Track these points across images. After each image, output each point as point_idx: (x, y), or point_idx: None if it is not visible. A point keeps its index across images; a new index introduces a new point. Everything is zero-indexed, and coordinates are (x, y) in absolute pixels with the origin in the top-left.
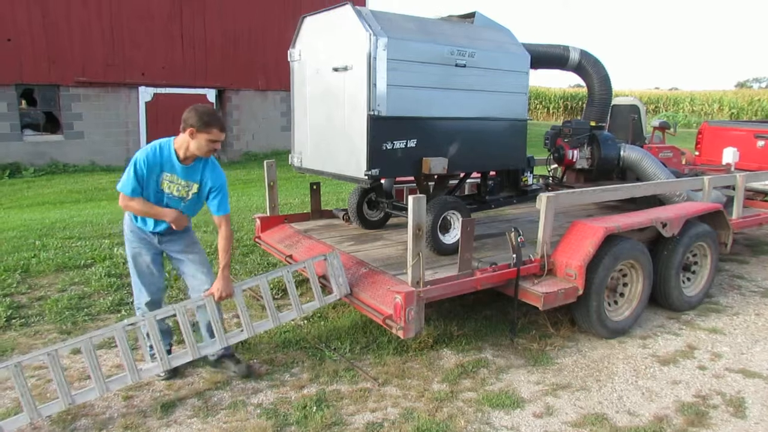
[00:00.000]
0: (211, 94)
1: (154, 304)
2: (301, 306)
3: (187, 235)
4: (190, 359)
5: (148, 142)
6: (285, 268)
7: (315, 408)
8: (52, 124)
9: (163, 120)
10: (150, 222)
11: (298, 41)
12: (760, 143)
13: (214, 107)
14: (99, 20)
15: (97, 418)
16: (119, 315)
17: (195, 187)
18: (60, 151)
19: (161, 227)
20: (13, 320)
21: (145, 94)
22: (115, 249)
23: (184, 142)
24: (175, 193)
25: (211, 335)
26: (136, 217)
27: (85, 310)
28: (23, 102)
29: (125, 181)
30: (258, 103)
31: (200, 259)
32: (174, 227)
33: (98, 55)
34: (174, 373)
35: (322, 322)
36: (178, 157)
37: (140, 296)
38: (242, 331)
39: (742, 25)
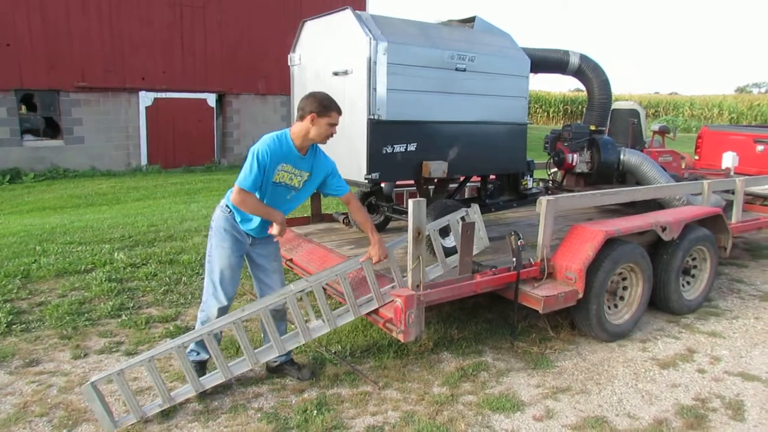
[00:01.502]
0: (211, 99)
1: (224, 311)
2: (358, 308)
3: (276, 243)
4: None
5: (148, 146)
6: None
7: (315, 412)
8: (52, 129)
9: (163, 124)
10: (256, 223)
11: (298, 45)
12: (760, 148)
13: (215, 111)
14: (99, 25)
15: (98, 423)
16: (120, 320)
17: (306, 176)
18: (60, 156)
19: (263, 232)
20: (14, 326)
21: (146, 98)
22: (116, 254)
23: (303, 130)
24: (288, 182)
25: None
26: (239, 215)
27: (86, 315)
28: (23, 107)
29: (246, 175)
30: (258, 107)
31: (281, 273)
32: (276, 230)
33: (98, 60)
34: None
35: None
36: (295, 147)
37: (214, 302)
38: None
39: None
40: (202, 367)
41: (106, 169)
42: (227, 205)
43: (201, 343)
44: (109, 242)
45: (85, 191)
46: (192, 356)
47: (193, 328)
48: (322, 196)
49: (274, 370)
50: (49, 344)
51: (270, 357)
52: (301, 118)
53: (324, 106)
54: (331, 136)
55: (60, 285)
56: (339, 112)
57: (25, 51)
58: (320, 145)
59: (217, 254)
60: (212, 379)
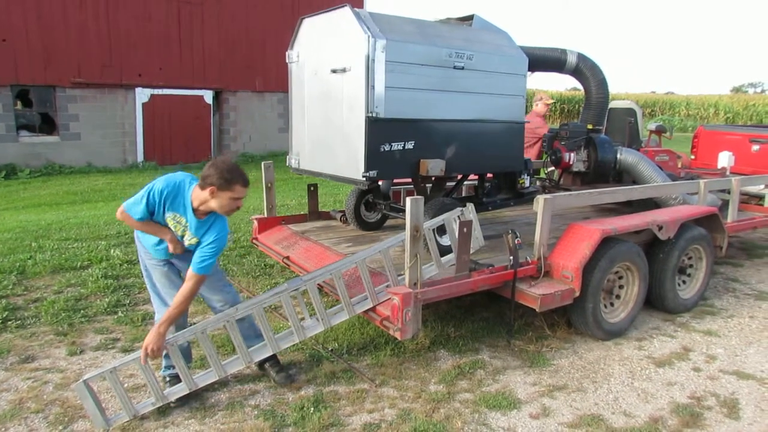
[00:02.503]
0: (208, 96)
1: (175, 325)
2: (353, 306)
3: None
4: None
5: (145, 143)
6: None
7: (312, 409)
8: (48, 125)
9: (160, 121)
10: (161, 250)
11: (296, 43)
12: (755, 147)
13: (211, 108)
14: (95, 21)
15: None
16: (116, 317)
17: (194, 241)
18: (56, 153)
19: (162, 257)
20: (9, 322)
21: (142, 95)
22: (112, 250)
23: (203, 199)
24: (179, 234)
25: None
26: (146, 244)
27: (82, 311)
28: (18, 103)
29: (134, 203)
30: (255, 104)
31: (218, 278)
32: (171, 249)
33: (94, 56)
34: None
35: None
36: (192, 207)
37: (157, 316)
38: (293, 333)
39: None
40: (178, 380)
41: (102, 165)
42: (137, 233)
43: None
44: (105, 239)
45: (81, 188)
46: (168, 371)
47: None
48: (318, 193)
49: (260, 368)
50: (45, 341)
51: (264, 355)
52: (202, 187)
53: (226, 180)
54: (237, 209)
55: (56, 281)
56: (244, 184)
57: (21, 46)
58: (321, 141)
59: (146, 275)
60: (206, 377)
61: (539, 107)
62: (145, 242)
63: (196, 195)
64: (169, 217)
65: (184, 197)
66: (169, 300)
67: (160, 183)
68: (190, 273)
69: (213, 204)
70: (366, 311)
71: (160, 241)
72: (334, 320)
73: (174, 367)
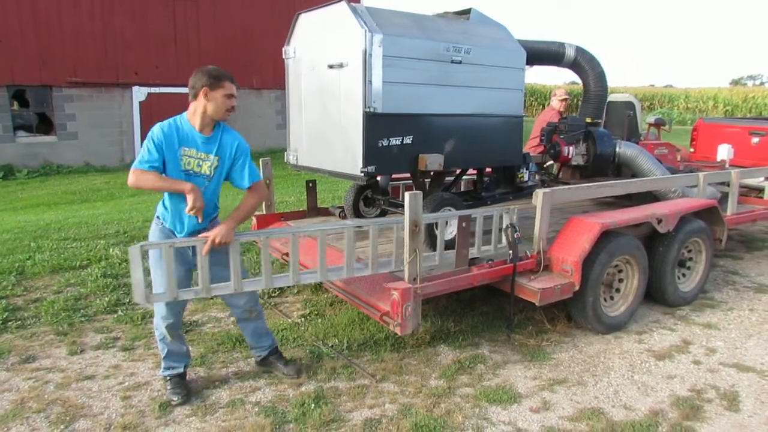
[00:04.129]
0: None
1: (174, 326)
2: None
3: (225, 250)
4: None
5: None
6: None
7: (313, 405)
8: (45, 125)
9: (157, 119)
10: (186, 223)
11: (293, 38)
12: (755, 140)
13: None
14: (91, 20)
15: (95, 419)
16: (116, 315)
17: (215, 161)
18: (53, 152)
19: (193, 227)
20: (9, 322)
21: (139, 93)
22: (111, 249)
23: (199, 108)
24: (197, 169)
25: (265, 337)
26: (167, 219)
27: (82, 311)
28: (15, 103)
29: (140, 159)
30: (253, 101)
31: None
32: (190, 202)
33: (91, 56)
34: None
35: (320, 320)
36: (195, 128)
37: (160, 315)
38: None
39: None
40: (182, 379)
41: (100, 164)
42: (158, 216)
43: (171, 358)
44: (104, 238)
45: (79, 187)
46: (168, 371)
47: (190, 322)
48: (316, 189)
49: (261, 365)
50: (45, 341)
51: (310, 280)
52: (195, 96)
53: (214, 77)
54: (233, 109)
55: (55, 281)
56: (232, 80)
57: (16, 46)
58: (319, 137)
59: (157, 272)
60: (253, 282)
61: (554, 102)
62: (171, 221)
63: (192, 110)
64: (184, 156)
65: (182, 125)
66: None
67: (154, 127)
68: (252, 186)
69: (209, 108)
70: (366, 307)
71: (180, 221)
72: (380, 269)
73: (174, 368)
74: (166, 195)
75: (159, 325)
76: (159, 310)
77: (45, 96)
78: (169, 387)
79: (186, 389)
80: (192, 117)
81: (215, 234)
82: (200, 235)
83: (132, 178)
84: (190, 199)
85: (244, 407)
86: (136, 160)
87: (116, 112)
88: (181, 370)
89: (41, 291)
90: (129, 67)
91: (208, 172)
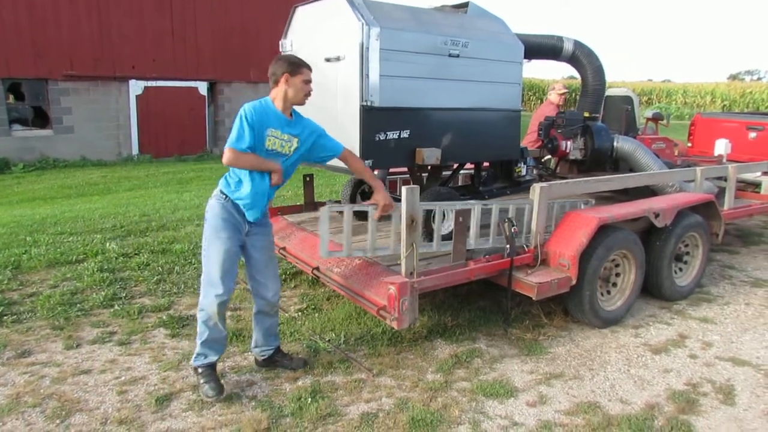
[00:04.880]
0: (202, 87)
1: (224, 306)
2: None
3: (270, 231)
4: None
5: (139, 136)
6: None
7: (310, 399)
8: (40, 118)
9: (154, 113)
10: (254, 209)
11: (289, 31)
12: (752, 135)
13: (206, 99)
14: (87, 13)
15: (91, 413)
16: (112, 310)
17: (295, 142)
18: (50, 146)
19: (258, 215)
20: (5, 317)
21: (136, 87)
22: (108, 244)
23: (280, 93)
24: (279, 149)
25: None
26: (235, 204)
27: (78, 305)
28: (10, 96)
29: (237, 134)
30: (250, 95)
31: (275, 266)
32: (276, 178)
33: (87, 49)
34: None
35: (317, 314)
36: (280, 111)
37: (213, 297)
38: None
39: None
40: (213, 370)
41: (96, 158)
42: (222, 191)
43: (208, 344)
44: (100, 232)
45: (76, 181)
46: (199, 360)
47: (187, 316)
48: (313, 184)
49: (264, 364)
50: (41, 335)
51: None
52: (276, 82)
53: (295, 65)
54: (309, 94)
55: (51, 275)
56: (309, 68)
57: (12, 38)
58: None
59: (215, 246)
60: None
61: (552, 97)
62: (251, 199)
63: (275, 95)
64: (270, 137)
65: (269, 107)
66: (226, 285)
67: (246, 108)
68: (343, 153)
69: (290, 92)
70: (363, 301)
71: (260, 197)
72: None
73: (208, 356)
74: (246, 174)
75: (209, 304)
76: (215, 287)
77: (41, 89)
78: (202, 380)
79: (220, 383)
80: (275, 101)
81: (386, 202)
82: (368, 202)
83: (231, 156)
84: (276, 176)
85: (240, 401)
86: (230, 139)
87: (113, 105)
88: (215, 359)
89: (37, 285)
90: (125, 61)
91: (288, 153)
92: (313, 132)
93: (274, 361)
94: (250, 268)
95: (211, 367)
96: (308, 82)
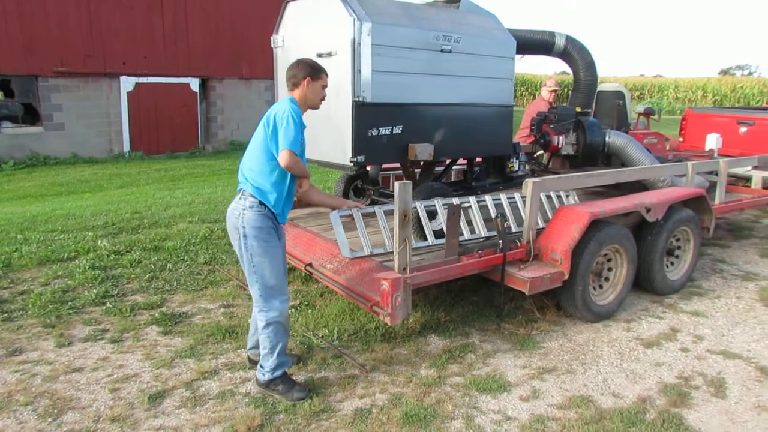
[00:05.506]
0: (194, 83)
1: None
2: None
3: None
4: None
5: (131, 132)
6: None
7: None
8: (30, 115)
9: (146, 110)
10: (286, 213)
11: (281, 27)
12: (743, 129)
13: (198, 96)
14: (77, 8)
15: (84, 412)
16: (104, 308)
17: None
18: (40, 144)
19: (288, 210)
20: None
21: (127, 83)
22: (99, 241)
23: (302, 96)
24: (303, 150)
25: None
26: (271, 211)
27: (70, 303)
28: (0, 93)
29: (294, 137)
30: (242, 91)
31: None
32: (305, 185)
33: (77, 45)
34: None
35: (310, 310)
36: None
37: (278, 302)
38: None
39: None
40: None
41: (87, 156)
42: (260, 201)
43: (284, 352)
44: (92, 230)
45: (67, 179)
46: (278, 371)
47: (179, 314)
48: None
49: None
50: (33, 333)
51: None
52: (296, 85)
53: (316, 69)
54: (323, 99)
55: (42, 273)
56: (327, 73)
57: (1, 34)
58: (308, 127)
59: (268, 256)
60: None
61: (544, 93)
62: (282, 206)
63: (298, 98)
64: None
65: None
66: (281, 285)
67: (291, 109)
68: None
69: (309, 96)
70: (356, 297)
71: (290, 201)
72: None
73: (286, 363)
74: (281, 180)
75: (281, 312)
76: (280, 294)
77: (31, 86)
78: (286, 387)
79: (300, 382)
80: (299, 102)
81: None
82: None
83: (291, 160)
84: (306, 183)
85: (234, 398)
86: (286, 140)
87: (104, 102)
88: (290, 364)
89: (28, 283)
90: (116, 57)
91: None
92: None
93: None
94: None
95: (286, 373)
96: (325, 87)
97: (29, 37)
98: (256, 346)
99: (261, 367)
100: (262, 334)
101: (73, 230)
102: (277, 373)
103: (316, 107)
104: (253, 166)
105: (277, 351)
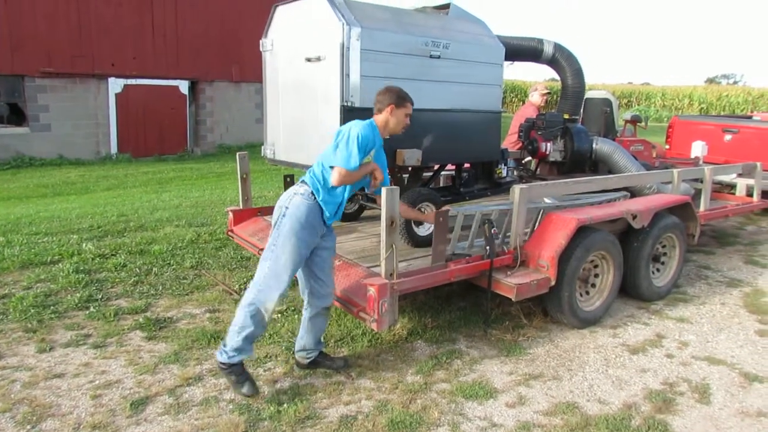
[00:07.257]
0: (183, 86)
1: (282, 298)
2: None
3: (335, 238)
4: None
5: (118, 134)
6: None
7: (288, 402)
8: (16, 116)
9: (134, 112)
10: (337, 215)
11: (270, 31)
12: (728, 137)
13: (187, 98)
14: (65, 8)
15: (64, 419)
16: (87, 312)
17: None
18: (26, 144)
19: (337, 218)
20: None
21: (115, 85)
22: (84, 244)
23: (384, 121)
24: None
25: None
26: (320, 206)
27: (52, 307)
28: None
29: (348, 155)
30: (232, 94)
31: (333, 269)
32: (378, 180)
33: (65, 45)
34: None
35: (296, 316)
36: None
37: (275, 291)
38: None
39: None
40: (244, 368)
41: (74, 157)
42: (312, 192)
43: (249, 340)
44: (77, 232)
45: (53, 180)
46: (235, 356)
47: (164, 318)
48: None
49: (308, 366)
50: (13, 338)
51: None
52: (380, 111)
53: (401, 97)
54: (407, 126)
55: (25, 277)
56: (413, 103)
57: None
58: (296, 131)
59: (291, 244)
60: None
61: (534, 98)
62: (332, 206)
63: (379, 122)
64: (367, 155)
65: (376, 133)
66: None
67: (362, 129)
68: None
69: (391, 122)
70: (343, 303)
71: (344, 204)
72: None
73: (244, 351)
74: (338, 188)
75: (269, 300)
76: (280, 284)
77: (17, 86)
78: (233, 377)
79: (254, 381)
80: (380, 127)
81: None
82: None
83: (343, 178)
84: (378, 173)
85: (218, 405)
86: (341, 158)
87: (91, 103)
88: (248, 356)
89: (10, 287)
90: (105, 58)
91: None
92: (377, 159)
93: (317, 362)
94: (314, 267)
95: (241, 363)
96: (409, 115)
97: (15, 35)
98: (306, 349)
99: (224, 345)
100: (243, 309)
101: (58, 233)
102: (236, 359)
103: (397, 133)
104: (316, 169)
105: (245, 334)
